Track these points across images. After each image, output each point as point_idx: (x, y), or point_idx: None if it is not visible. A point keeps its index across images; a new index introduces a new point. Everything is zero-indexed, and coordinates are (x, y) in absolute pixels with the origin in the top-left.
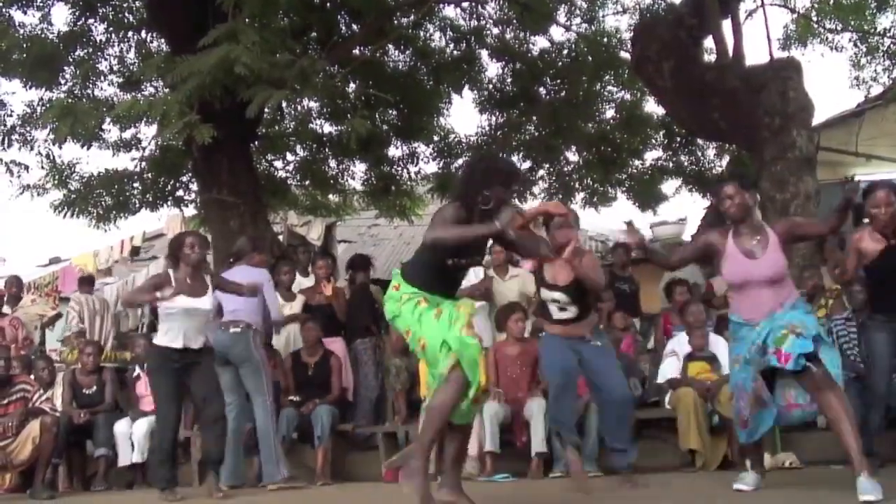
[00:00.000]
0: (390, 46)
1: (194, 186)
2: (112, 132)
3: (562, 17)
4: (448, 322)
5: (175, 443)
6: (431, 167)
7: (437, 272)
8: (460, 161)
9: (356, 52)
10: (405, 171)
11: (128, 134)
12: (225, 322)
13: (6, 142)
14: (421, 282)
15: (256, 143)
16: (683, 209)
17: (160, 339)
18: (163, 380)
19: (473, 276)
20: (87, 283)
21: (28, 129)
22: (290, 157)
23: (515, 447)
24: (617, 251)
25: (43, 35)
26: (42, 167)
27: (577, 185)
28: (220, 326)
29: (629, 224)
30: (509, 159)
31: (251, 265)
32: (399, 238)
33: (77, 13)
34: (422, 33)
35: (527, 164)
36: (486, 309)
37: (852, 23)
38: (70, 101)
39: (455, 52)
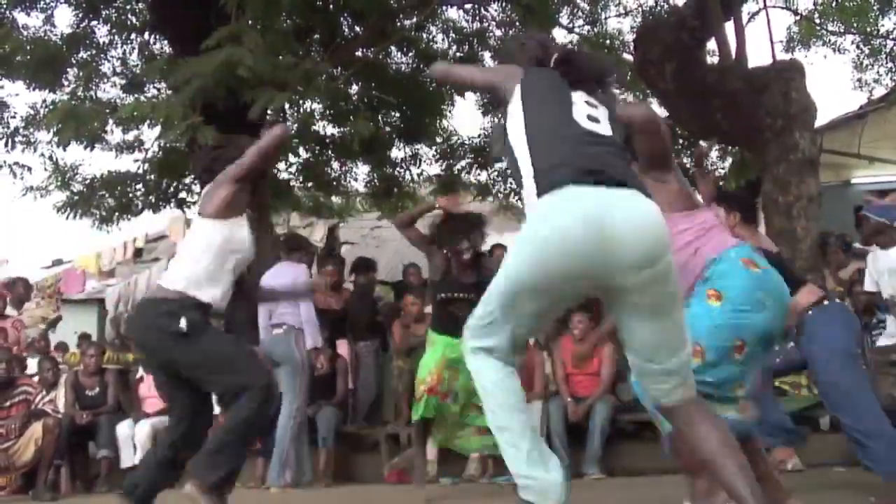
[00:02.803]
0: (393, 48)
1: (197, 188)
2: (115, 134)
3: (564, 20)
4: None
5: None
6: (434, 169)
7: (437, 311)
8: (463, 163)
9: (359, 53)
10: (408, 172)
11: (131, 136)
12: (272, 324)
13: (9, 143)
14: (435, 324)
15: None
16: None
17: None
18: None
19: None
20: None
21: (31, 130)
22: (292, 158)
23: None
24: None
25: (46, 37)
26: (45, 169)
27: None
28: (267, 328)
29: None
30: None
31: (293, 261)
32: (402, 240)
33: (80, 15)
34: (424, 35)
35: None
36: None
37: (855, 25)
38: (73, 103)
39: (458, 54)
